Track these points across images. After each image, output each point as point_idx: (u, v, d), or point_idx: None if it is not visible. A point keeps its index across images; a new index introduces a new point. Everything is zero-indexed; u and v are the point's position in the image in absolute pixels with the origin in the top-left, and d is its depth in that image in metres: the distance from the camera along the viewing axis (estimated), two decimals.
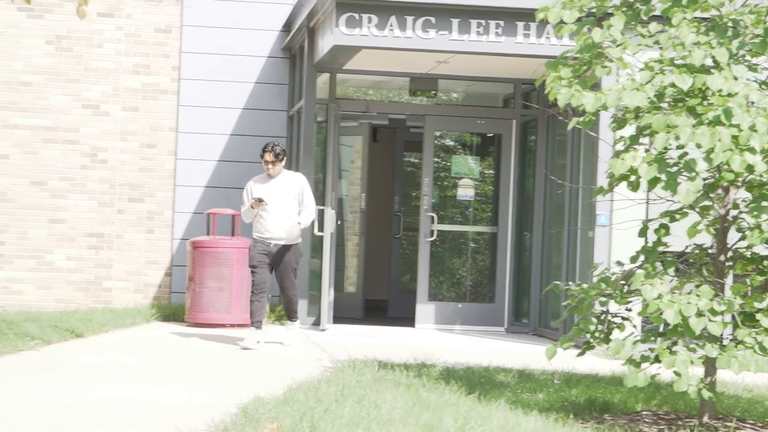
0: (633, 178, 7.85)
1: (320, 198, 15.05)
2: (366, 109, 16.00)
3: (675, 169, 7.65)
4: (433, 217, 15.39)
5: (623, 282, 8.30)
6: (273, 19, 16.04)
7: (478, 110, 16.02)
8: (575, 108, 8.05)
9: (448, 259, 15.79)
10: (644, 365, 7.80)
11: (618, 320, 8.48)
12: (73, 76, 15.87)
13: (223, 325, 14.31)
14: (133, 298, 15.83)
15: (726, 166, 7.59)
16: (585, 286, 8.50)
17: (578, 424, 8.12)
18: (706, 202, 8.28)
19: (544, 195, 15.18)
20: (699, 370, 8.13)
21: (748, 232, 7.96)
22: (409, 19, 13.08)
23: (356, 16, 13.03)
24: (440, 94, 16.28)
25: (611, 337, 8.34)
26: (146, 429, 7.38)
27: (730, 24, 8.05)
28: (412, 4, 13.03)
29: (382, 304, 17.53)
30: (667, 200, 8.38)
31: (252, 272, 12.42)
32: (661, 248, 8.27)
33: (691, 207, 8.32)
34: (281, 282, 12.53)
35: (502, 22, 13.13)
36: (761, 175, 7.87)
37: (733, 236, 8.40)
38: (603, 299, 8.34)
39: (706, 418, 8.17)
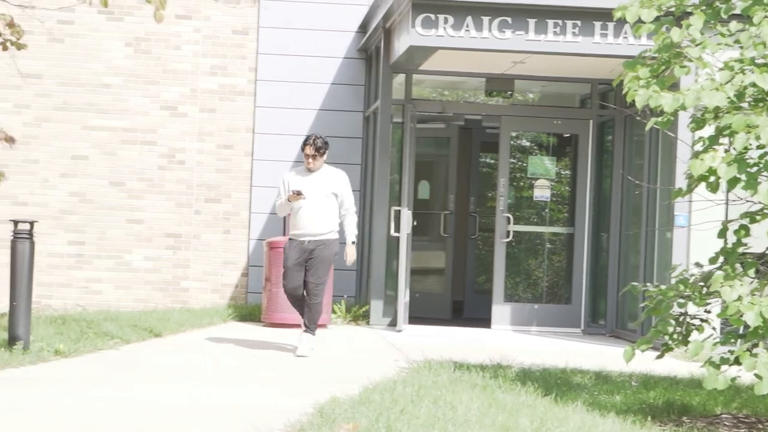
0: (712, 178, 7.76)
1: (395, 199, 15.06)
2: (442, 109, 16.00)
3: (755, 169, 7.56)
4: (509, 218, 15.33)
5: (702, 283, 8.21)
6: (349, 20, 16.08)
7: (554, 110, 15.94)
8: (653, 108, 7.97)
9: (524, 260, 15.72)
10: (724, 367, 7.71)
11: (697, 322, 8.40)
12: (152, 78, 16.02)
13: (298, 326, 14.31)
14: (210, 298, 15.95)
15: None
16: (663, 287, 8.41)
17: (656, 426, 8.05)
18: None
19: (622, 196, 15.07)
20: None
21: None
22: (486, 19, 13.04)
23: (432, 16, 13.02)
24: (516, 95, 16.22)
25: (690, 339, 8.24)
26: (223, 428, 7.42)
27: None
28: (489, 4, 12.99)
29: (457, 305, 17.51)
30: (747, 201, 8.28)
31: (284, 275, 11.71)
32: (740, 249, 8.17)
33: None
34: (308, 277, 11.60)
35: (579, 22, 13.05)
36: None
37: None
38: (681, 301, 8.26)
39: None
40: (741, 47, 7.96)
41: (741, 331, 8.02)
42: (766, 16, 7.94)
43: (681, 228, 12.81)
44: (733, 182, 7.58)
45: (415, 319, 15.20)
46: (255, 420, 7.48)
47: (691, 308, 8.33)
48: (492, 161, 17.82)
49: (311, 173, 11.73)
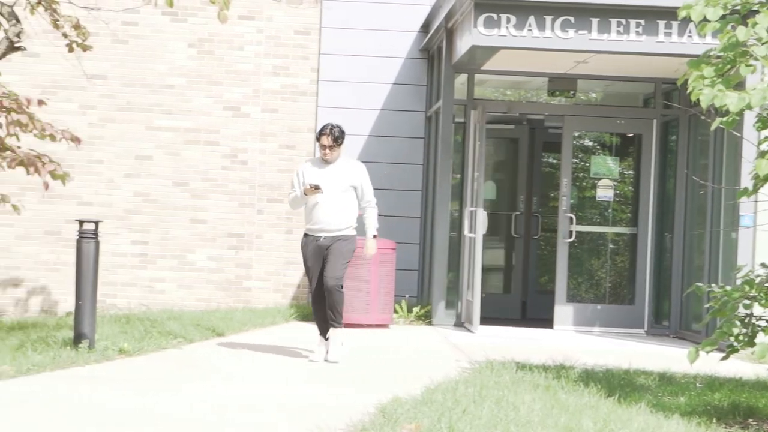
0: None
1: (458, 198, 15.04)
2: (508, 109, 15.97)
3: None
4: (571, 218, 15.26)
5: None
6: (411, 20, 16.08)
7: (617, 110, 15.85)
8: (718, 108, 7.90)
9: (587, 260, 15.64)
10: None
11: (763, 323, 8.31)
12: (215, 79, 16.12)
13: (360, 325, 14.39)
14: (273, 297, 16.01)
15: None
16: (728, 288, 8.34)
17: (721, 428, 7.98)
18: None
19: (686, 196, 14.95)
20: None
21: None
22: (548, 18, 13.00)
23: (495, 16, 12.99)
24: (579, 94, 16.14)
25: (756, 340, 8.16)
26: (285, 427, 7.45)
27: None
28: (552, 3, 12.94)
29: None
30: None
31: (307, 275, 11.22)
32: None
33: None
34: (325, 272, 10.87)
35: (642, 21, 12.97)
36: None
37: None
38: (747, 302, 8.18)
39: None
40: None
41: None
42: None
43: (746, 228, 12.69)
44: None
45: (482, 319, 15.18)
46: (317, 419, 7.50)
47: (757, 309, 8.24)
48: (554, 161, 17.75)
49: (328, 165, 11.05)
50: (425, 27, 16.00)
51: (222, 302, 15.92)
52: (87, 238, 10.77)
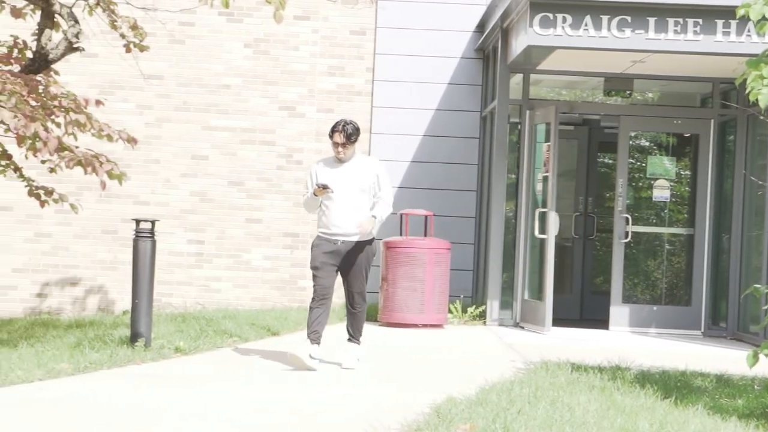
0: None
1: (512, 198, 14.99)
2: (569, 110, 15.90)
3: None
4: (627, 219, 15.17)
5: None
6: (466, 20, 16.07)
7: (674, 110, 15.73)
8: None
9: (643, 261, 15.54)
10: None
11: None
12: (271, 79, 16.18)
13: (415, 325, 14.39)
14: None
15: None
16: None
17: None
18: None
19: (744, 196, 14.81)
20: None
21: None
22: (605, 18, 12.93)
23: (550, 16, 12.94)
24: (635, 94, 16.04)
25: None
26: (340, 426, 7.46)
27: None
28: (608, 3, 12.87)
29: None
30: None
31: (313, 276, 10.30)
32: None
33: None
34: (348, 287, 10.37)
35: (700, 20, 12.87)
36: None
37: None
38: None
39: None
40: None
41: None
42: None
43: None
44: None
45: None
46: (372, 418, 7.51)
47: None
48: (610, 161, 17.66)
49: (342, 164, 10.38)
50: (480, 27, 15.97)
51: (277, 301, 15.98)
52: (144, 237, 10.85)
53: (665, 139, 15.83)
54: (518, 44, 13.72)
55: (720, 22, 12.84)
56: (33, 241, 15.99)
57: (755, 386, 9.72)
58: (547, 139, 14.63)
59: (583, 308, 17.27)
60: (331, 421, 7.65)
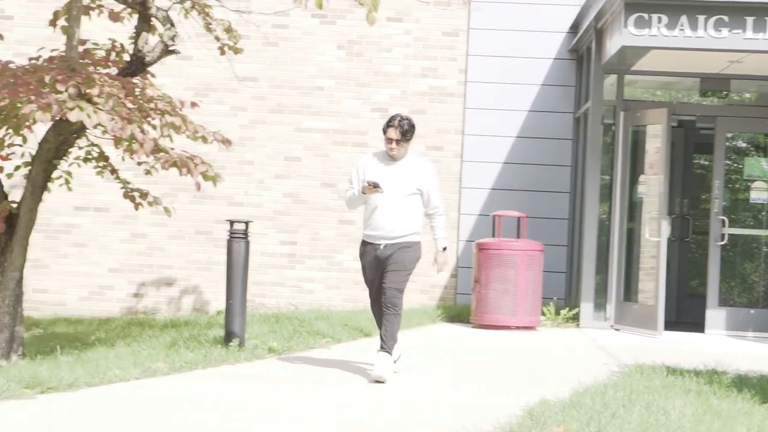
0: None
1: (606, 200, 14.87)
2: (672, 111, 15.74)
3: None
4: (723, 221, 14.97)
5: None
6: (559, 20, 15.98)
7: None
8: None
9: (740, 264, 15.33)
10: None
11: None
12: (363, 80, 16.22)
13: (508, 327, 14.34)
14: (419, 298, 16.04)
15: None
16: None
17: None
18: None
19: None
20: None
21: None
22: (701, 18, 12.77)
23: (645, 16, 12.82)
24: (732, 95, 15.83)
25: None
26: (434, 426, 7.46)
27: None
28: (705, 2, 12.72)
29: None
30: None
31: (367, 286, 9.89)
32: None
33: None
34: (384, 280, 9.59)
35: None
36: None
37: None
38: None
39: None
40: None
41: None
42: None
43: None
44: None
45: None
46: (464, 419, 7.49)
47: None
48: (706, 162, 17.45)
49: (394, 162, 9.62)
50: (574, 27, 15.87)
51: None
52: (237, 238, 10.93)
53: (763, 140, 15.60)
54: (612, 45, 13.60)
55: None
56: (129, 242, 16.21)
57: None
58: (655, 142, 14.47)
59: (679, 311, 17.08)
60: (424, 421, 7.64)
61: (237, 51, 11.56)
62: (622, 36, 12.88)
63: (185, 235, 16.19)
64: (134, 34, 11.00)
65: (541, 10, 16.01)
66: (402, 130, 9.49)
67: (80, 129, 10.23)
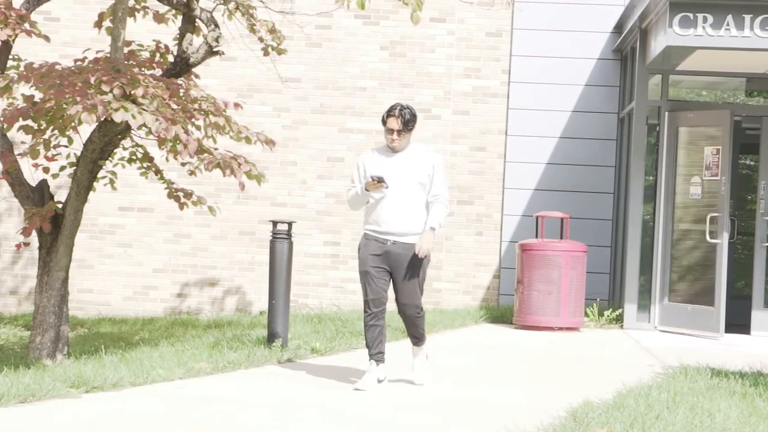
0: None
1: (650, 200, 14.79)
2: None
3: None
4: None
5: None
6: (603, 20, 15.91)
7: None
8: None
9: None
10: None
11: None
12: (406, 81, 16.22)
13: (551, 328, 14.30)
14: (462, 299, 16.03)
15: None
16: None
17: None
18: None
19: None
20: None
21: None
22: (747, 17, 12.68)
23: (690, 15, 12.74)
24: None
25: None
26: (476, 427, 7.45)
27: None
28: (751, 2, 12.62)
29: None
30: None
31: (363, 282, 9.17)
32: None
33: None
34: (399, 297, 9.22)
35: None
36: None
37: None
38: None
39: None
40: None
41: None
42: None
43: None
44: None
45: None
46: (507, 420, 7.48)
47: None
48: (752, 163, 17.31)
49: (395, 154, 9.14)
50: (618, 27, 15.80)
51: None
52: (280, 239, 10.96)
53: None
54: (657, 45, 13.53)
55: None
56: (173, 242, 16.29)
57: None
58: (713, 143, 14.36)
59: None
60: (466, 421, 7.64)
61: (281, 52, 11.58)
62: (667, 36, 12.81)
63: (228, 236, 16.25)
64: (178, 36, 11.04)
65: (584, 10, 15.96)
66: (404, 119, 9.03)
67: (125, 130, 10.29)
